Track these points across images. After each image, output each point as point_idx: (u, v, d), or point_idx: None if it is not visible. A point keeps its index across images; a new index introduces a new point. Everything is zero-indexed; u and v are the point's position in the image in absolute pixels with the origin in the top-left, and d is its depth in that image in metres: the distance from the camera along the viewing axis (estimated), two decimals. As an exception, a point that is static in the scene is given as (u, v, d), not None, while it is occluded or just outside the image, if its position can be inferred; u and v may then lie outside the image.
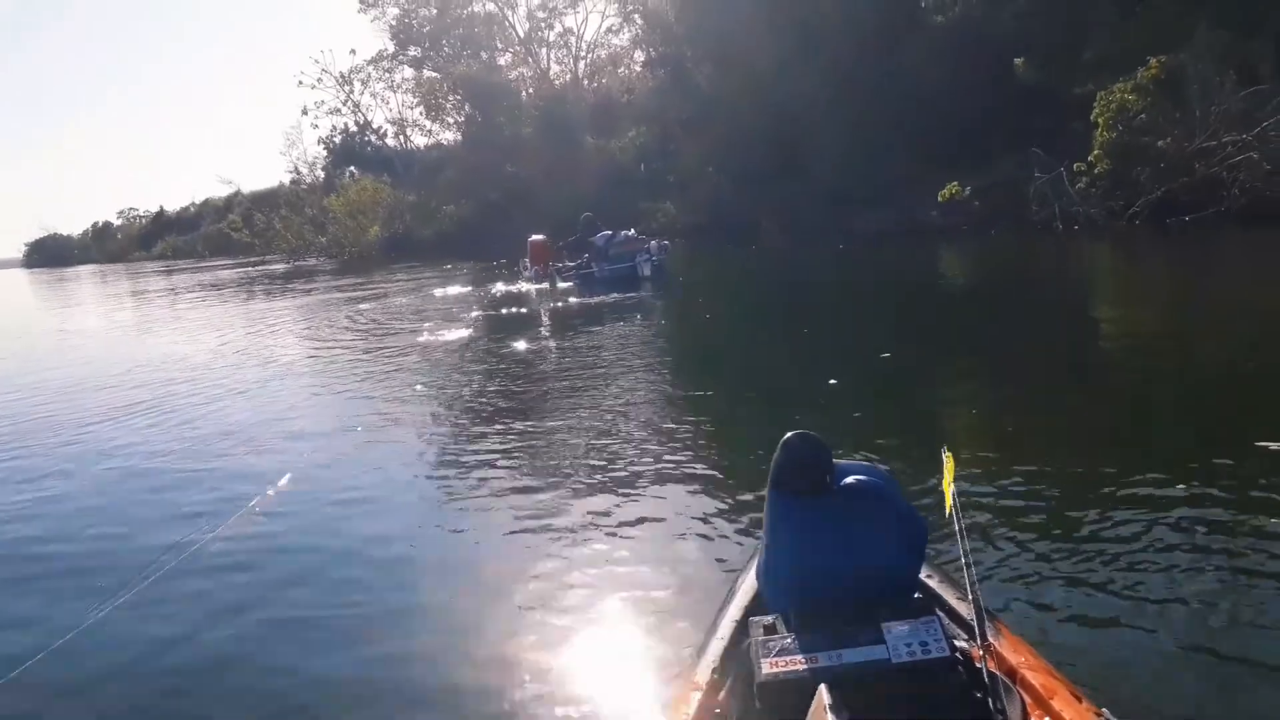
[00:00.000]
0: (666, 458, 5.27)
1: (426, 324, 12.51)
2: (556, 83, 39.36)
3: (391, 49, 42.93)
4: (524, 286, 16.58)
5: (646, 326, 11.37)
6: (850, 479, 2.36)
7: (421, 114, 42.56)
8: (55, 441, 7.29)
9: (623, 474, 5.05)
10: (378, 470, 5.71)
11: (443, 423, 6.98)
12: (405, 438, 6.48)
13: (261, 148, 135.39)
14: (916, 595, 2.42)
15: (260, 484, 5.42)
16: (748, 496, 4.40)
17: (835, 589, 2.24)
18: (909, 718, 1.96)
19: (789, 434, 2.34)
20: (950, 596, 2.48)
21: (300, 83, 44.86)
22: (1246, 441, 4.49)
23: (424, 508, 4.97)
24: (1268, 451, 4.34)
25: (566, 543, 4.15)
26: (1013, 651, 2.18)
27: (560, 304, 14.06)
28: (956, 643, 2.15)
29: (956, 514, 2.49)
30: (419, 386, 8.30)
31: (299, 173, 48.48)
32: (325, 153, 47.47)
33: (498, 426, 6.47)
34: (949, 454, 2.66)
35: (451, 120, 40.94)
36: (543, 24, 39.77)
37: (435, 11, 41.17)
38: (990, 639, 2.14)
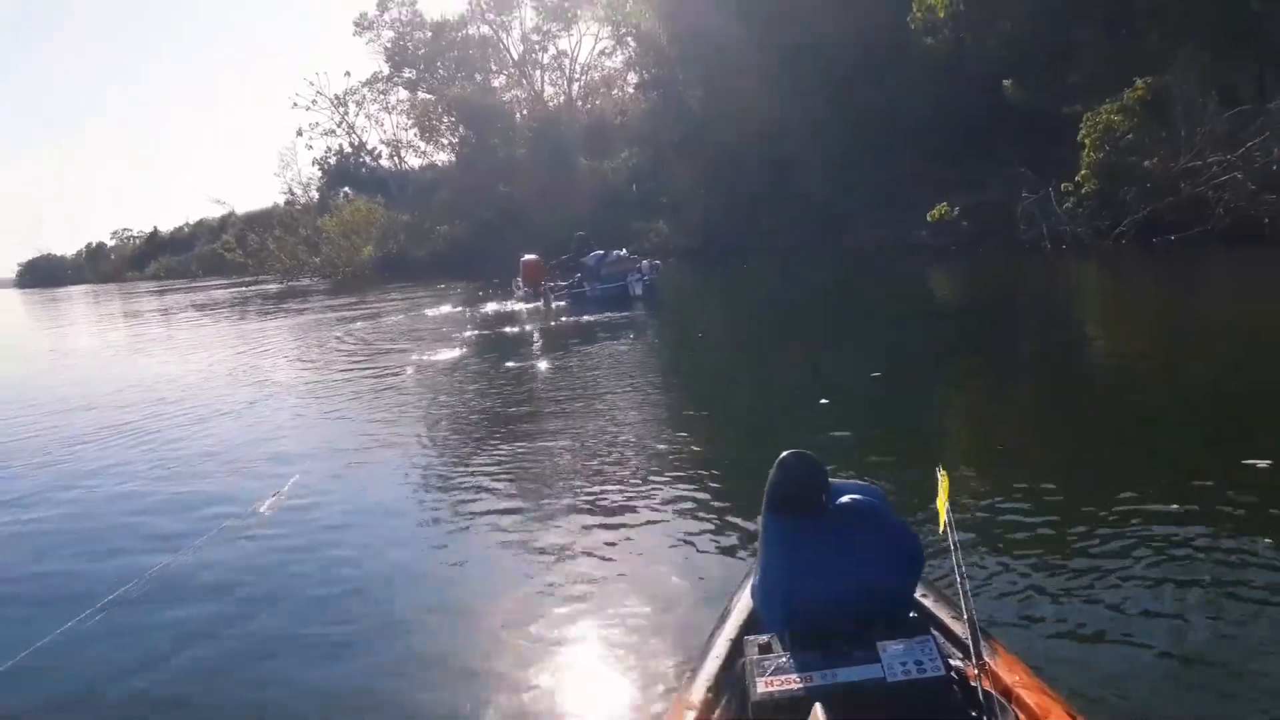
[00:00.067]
0: (657, 477, 5.26)
1: (419, 344, 12.49)
2: (550, 104, 39.72)
3: (386, 71, 43.34)
4: (516, 306, 16.62)
5: (638, 345, 11.39)
6: (846, 498, 2.36)
7: (416, 135, 42.93)
8: (40, 461, 7.22)
9: (614, 493, 5.04)
10: (364, 491, 5.66)
11: (432, 442, 6.95)
12: (394, 458, 6.44)
13: (255, 169, 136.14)
14: (912, 614, 2.41)
15: (244, 504, 5.35)
16: (739, 515, 4.39)
17: (830, 608, 2.24)
18: None
19: (785, 453, 2.35)
20: (945, 615, 2.47)
21: (295, 104, 45.20)
22: (1234, 459, 4.52)
23: (411, 527, 4.93)
24: (1255, 469, 4.37)
25: (558, 562, 4.12)
26: (1008, 670, 2.17)
27: (553, 323, 14.08)
28: (952, 661, 2.14)
29: (951, 533, 2.49)
30: (409, 406, 8.28)
31: (293, 193, 48.68)
32: (320, 173, 47.74)
33: (488, 446, 6.44)
34: (943, 473, 2.67)
35: (446, 141, 41.25)
36: (537, 46, 40.25)
37: (430, 34, 41.60)
38: (986, 658, 2.14)
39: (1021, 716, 2.02)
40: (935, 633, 2.22)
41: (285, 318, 20.20)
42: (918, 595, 2.53)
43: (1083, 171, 16.53)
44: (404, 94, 43.96)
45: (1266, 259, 12.93)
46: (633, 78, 36.27)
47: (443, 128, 40.32)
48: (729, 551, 4.08)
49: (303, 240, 40.36)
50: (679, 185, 28.07)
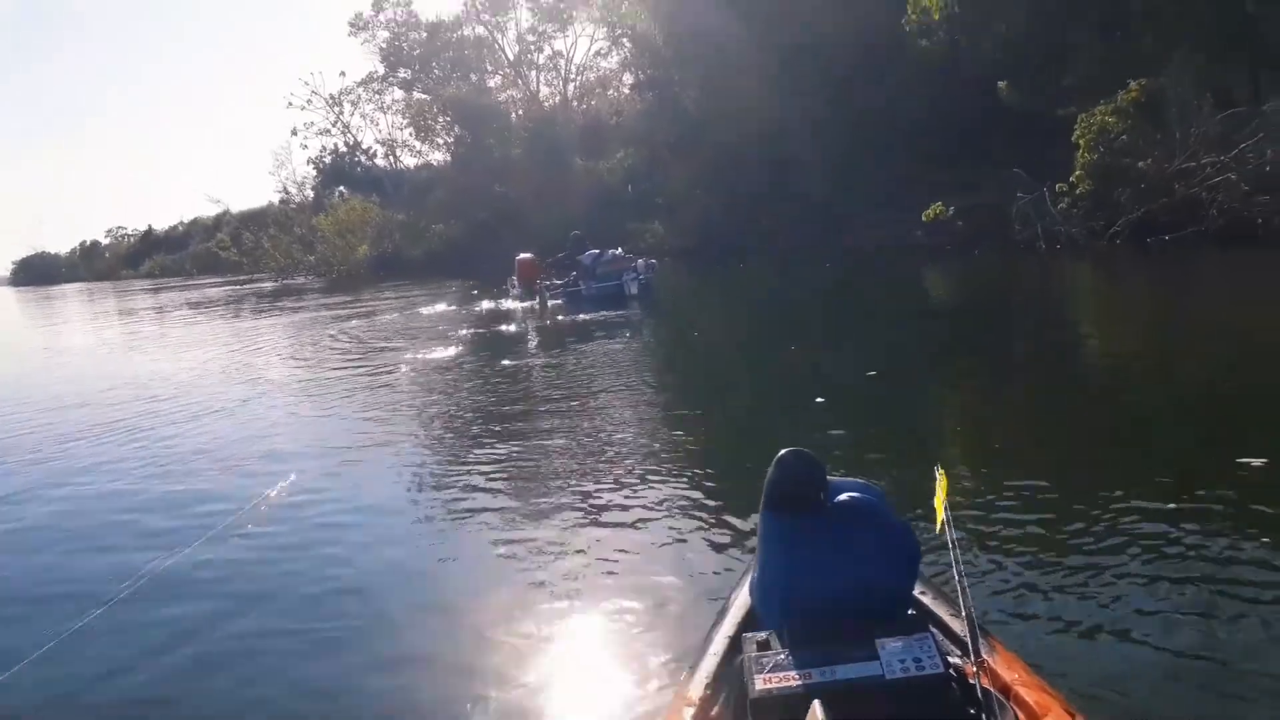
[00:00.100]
0: (653, 475, 5.25)
1: (413, 342, 12.46)
2: (546, 105, 39.70)
3: (382, 71, 43.25)
4: (512, 304, 16.60)
5: (633, 344, 11.38)
6: (844, 496, 2.35)
7: (411, 135, 42.89)
8: (33, 459, 7.18)
9: (609, 491, 5.02)
10: (358, 489, 5.63)
11: (426, 441, 6.93)
12: (388, 456, 6.41)
13: (251, 168, 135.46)
14: (910, 612, 2.41)
15: (238, 502, 5.32)
16: (736, 513, 4.39)
17: (829, 605, 2.23)
18: None
19: (783, 451, 2.34)
20: (944, 613, 2.47)
21: (290, 104, 45.10)
22: (1228, 458, 4.54)
23: (406, 526, 4.91)
24: (1249, 467, 4.39)
25: (554, 560, 4.11)
26: (1007, 668, 2.17)
27: (548, 322, 14.06)
28: (950, 659, 2.14)
29: (949, 530, 2.49)
30: (403, 405, 8.25)
31: (288, 192, 48.62)
32: (314, 173, 47.63)
33: (482, 445, 6.42)
34: (941, 471, 2.67)
35: (441, 141, 41.22)
36: (532, 47, 40.24)
37: (425, 35, 41.54)
38: (984, 655, 2.14)
39: (1020, 714, 2.01)
40: (934, 630, 2.22)
41: (279, 316, 20.13)
42: (916, 593, 2.52)
43: (1077, 172, 16.58)
44: (399, 94, 43.96)
45: (1259, 260, 12.99)
46: (628, 78, 36.30)
47: (438, 127, 40.32)
48: (726, 549, 4.07)
49: (297, 239, 40.28)
50: (674, 186, 28.07)
